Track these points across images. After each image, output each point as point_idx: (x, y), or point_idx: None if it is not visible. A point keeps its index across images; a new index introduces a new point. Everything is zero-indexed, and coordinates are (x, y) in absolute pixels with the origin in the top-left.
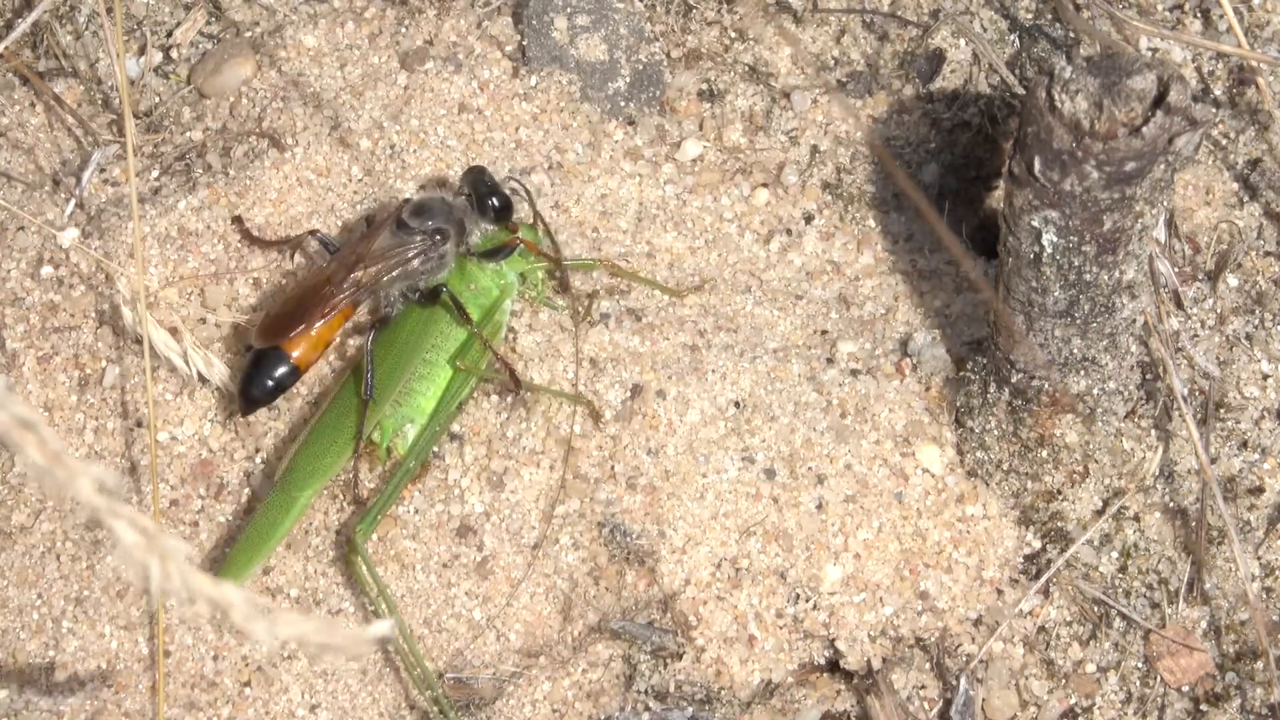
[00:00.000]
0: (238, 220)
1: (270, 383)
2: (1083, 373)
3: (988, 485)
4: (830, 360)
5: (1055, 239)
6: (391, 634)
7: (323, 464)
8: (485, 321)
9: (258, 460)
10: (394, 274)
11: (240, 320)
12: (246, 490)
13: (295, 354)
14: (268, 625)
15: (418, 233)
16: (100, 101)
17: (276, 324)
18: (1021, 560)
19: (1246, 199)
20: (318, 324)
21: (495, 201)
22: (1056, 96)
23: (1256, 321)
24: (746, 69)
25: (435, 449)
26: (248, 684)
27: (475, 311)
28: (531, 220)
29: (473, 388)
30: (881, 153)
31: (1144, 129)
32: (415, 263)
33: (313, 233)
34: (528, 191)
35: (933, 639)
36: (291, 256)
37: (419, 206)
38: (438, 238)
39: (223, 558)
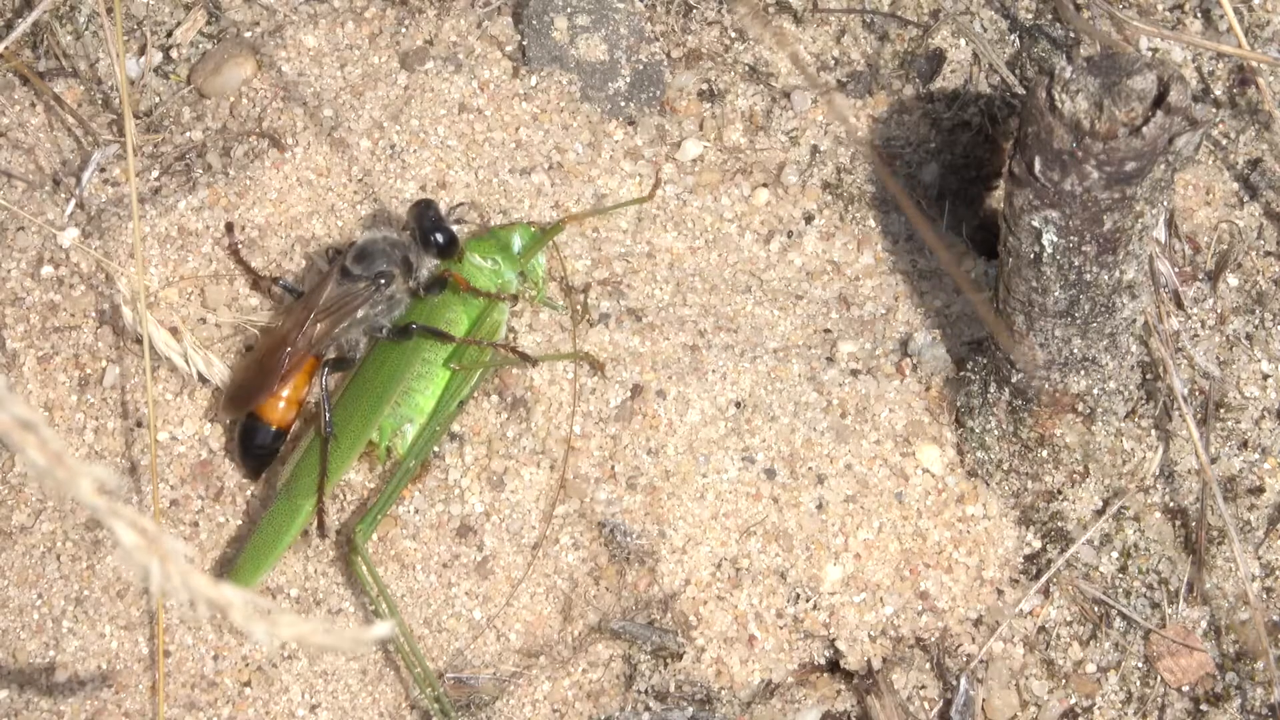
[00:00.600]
0: (229, 229)
1: (260, 453)
2: (1083, 373)
3: (988, 485)
4: (830, 360)
5: (1055, 239)
6: (392, 634)
7: (327, 470)
8: (483, 320)
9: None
10: (344, 324)
11: (240, 320)
12: (249, 491)
13: (272, 419)
14: (267, 626)
15: (362, 279)
16: (100, 101)
17: (241, 394)
18: (1021, 560)
19: (1247, 199)
20: (280, 388)
21: (439, 237)
22: (1057, 96)
23: (1257, 321)
24: (747, 69)
25: (435, 449)
26: (248, 684)
27: (472, 311)
28: (528, 224)
29: (473, 387)
30: (876, 157)
31: (1144, 129)
32: (362, 310)
33: (275, 280)
34: (483, 216)
35: (933, 639)
36: (268, 289)
37: (361, 252)
38: (382, 282)
39: (228, 565)
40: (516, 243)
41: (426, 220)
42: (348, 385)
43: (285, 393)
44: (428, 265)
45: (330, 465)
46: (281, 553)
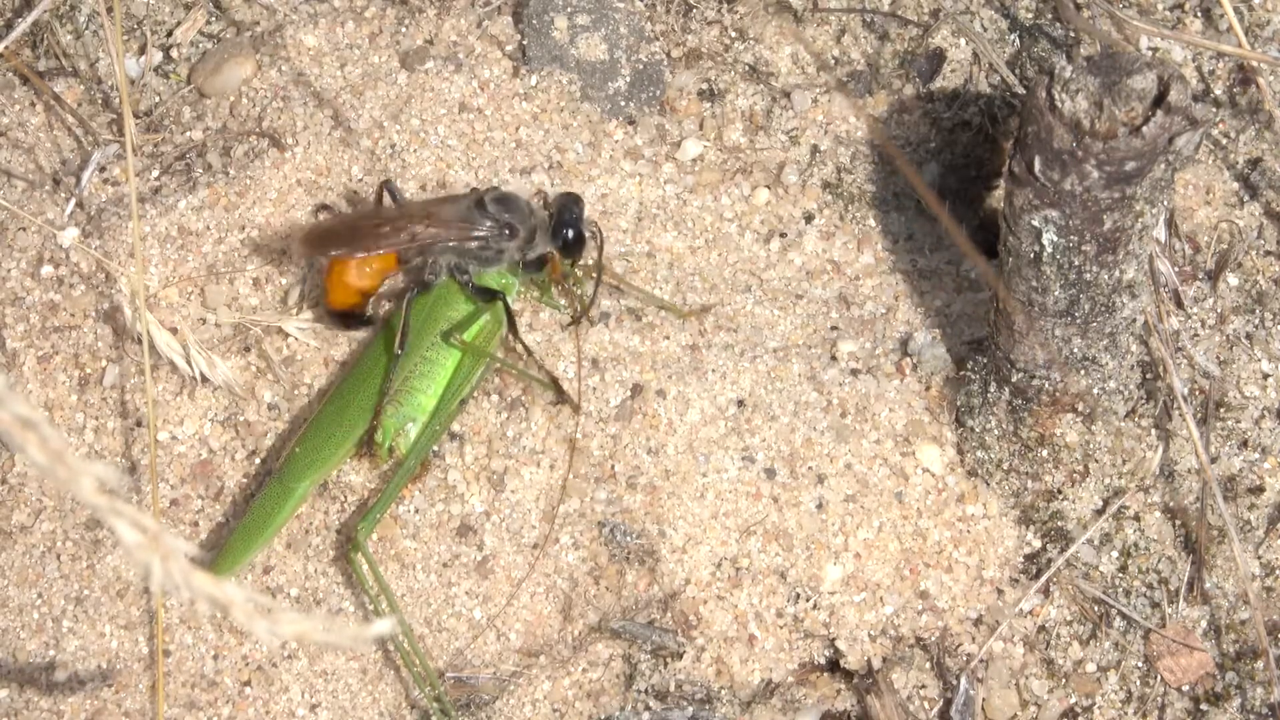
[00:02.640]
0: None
1: (358, 324)
2: (1083, 372)
3: (988, 485)
4: (831, 360)
5: (1055, 238)
6: (393, 631)
7: (321, 455)
8: (484, 315)
9: (257, 461)
10: (451, 245)
11: (241, 320)
12: (249, 490)
13: (343, 305)
14: (269, 624)
15: (491, 218)
16: (100, 101)
17: (321, 236)
18: (1022, 560)
19: (1247, 198)
20: (360, 254)
21: (570, 233)
22: (1057, 96)
23: (1257, 321)
24: (747, 68)
25: (435, 448)
26: (248, 683)
27: (472, 308)
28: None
29: (474, 386)
30: (890, 148)
31: (1144, 128)
32: (475, 244)
33: (385, 183)
34: (600, 240)
35: (933, 638)
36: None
37: (505, 198)
38: (507, 232)
39: (217, 549)
40: None
41: (569, 214)
42: (347, 374)
43: (354, 261)
44: (542, 249)
45: (325, 454)
46: (271, 536)
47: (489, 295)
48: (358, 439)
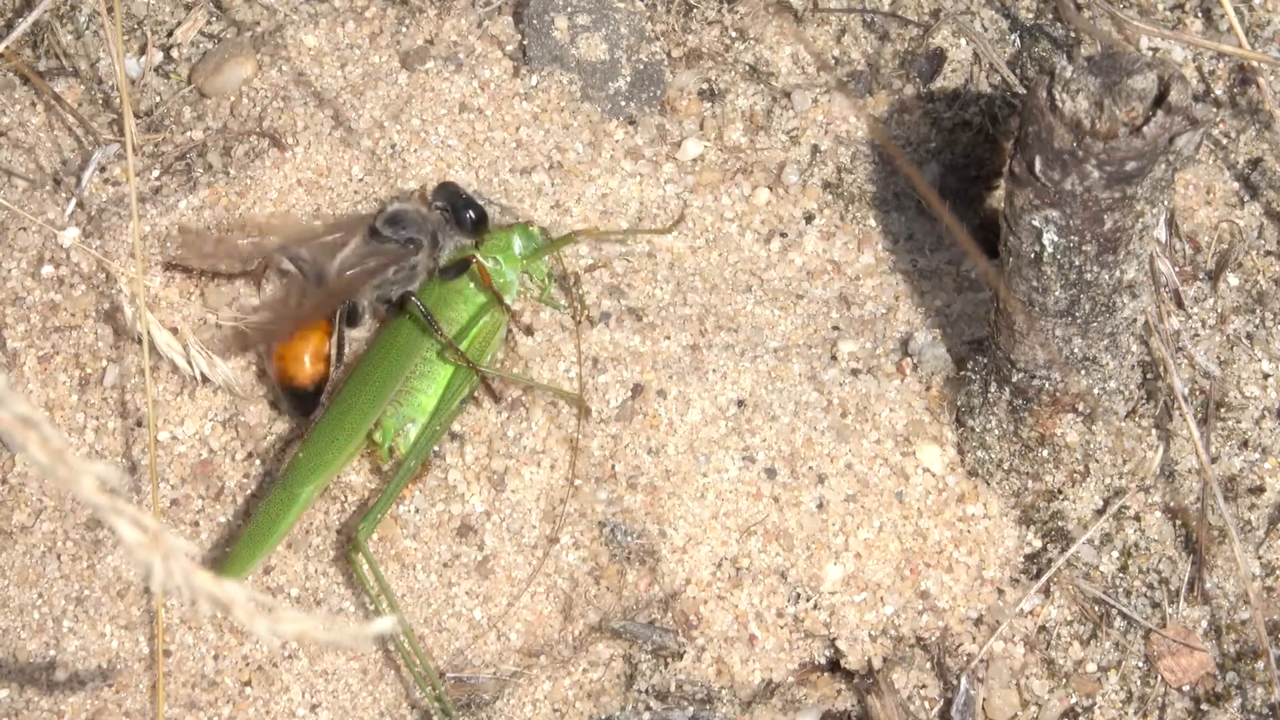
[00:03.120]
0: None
1: (310, 405)
2: (1083, 372)
3: (988, 485)
4: (831, 360)
5: (1056, 238)
6: (394, 630)
7: (325, 460)
8: (484, 316)
9: (257, 462)
10: (369, 283)
11: (241, 320)
12: (249, 490)
13: (306, 382)
14: (270, 623)
15: (391, 241)
16: (100, 101)
17: (259, 331)
18: (1022, 560)
19: (1247, 198)
20: (299, 345)
21: (472, 214)
22: (1057, 96)
23: (1257, 321)
24: (747, 68)
25: (435, 448)
26: (248, 683)
27: (470, 309)
28: (527, 223)
29: (474, 386)
30: (890, 147)
31: (1145, 128)
32: (389, 272)
33: (282, 249)
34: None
35: (933, 638)
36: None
37: (394, 216)
38: (410, 248)
39: (223, 555)
40: (518, 244)
41: (460, 197)
42: (348, 377)
43: (308, 354)
44: (452, 245)
45: (328, 458)
46: (277, 542)
47: (462, 268)
48: (361, 443)
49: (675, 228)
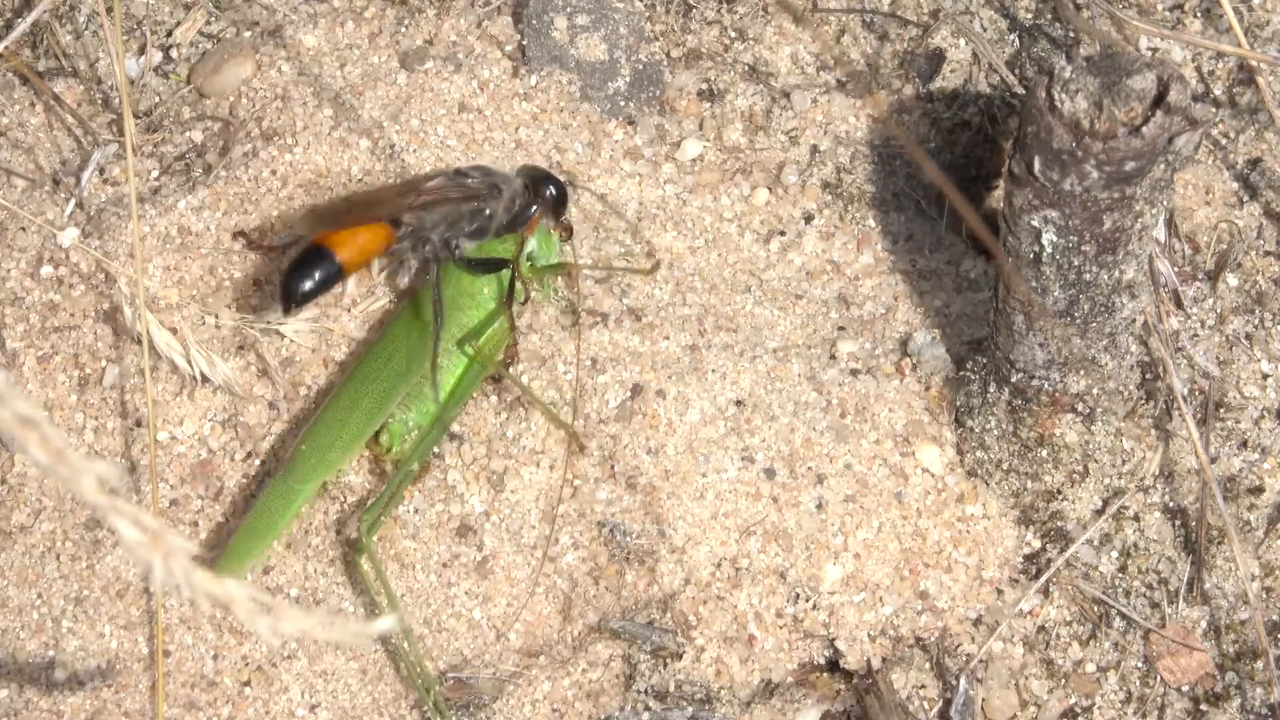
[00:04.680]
0: (242, 236)
1: (315, 279)
2: (1083, 372)
3: (988, 485)
4: (830, 360)
5: (1055, 239)
6: (396, 627)
7: (327, 458)
8: (493, 323)
9: (256, 462)
10: (444, 210)
11: (241, 321)
12: (249, 491)
13: (341, 255)
14: (270, 621)
15: (473, 180)
16: (100, 101)
17: (323, 215)
18: (1021, 560)
19: (1246, 199)
20: (359, 230)
21: (553, 189)
22: (1056, 96)
23: (1256, 321)
24: (746, 69)
25: (435, 449)
26: (247, 683)
27: (480, 314)
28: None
29: (473, 388)
30: (901, 135)
31: (1144, 129)
32: (465, 207)
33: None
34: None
35: (932, 639)
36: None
37: (481, 167)
38: (492, 191)
39: (221, 550)
40: (532, 244)
41: (542, 172)
42: (351, 374)
43: (362, 239)
44: (526, 213)
45: (332, 456)
46: (275, 537)
47: (494, 266)
48: (364, 443)
49: (655, 271)
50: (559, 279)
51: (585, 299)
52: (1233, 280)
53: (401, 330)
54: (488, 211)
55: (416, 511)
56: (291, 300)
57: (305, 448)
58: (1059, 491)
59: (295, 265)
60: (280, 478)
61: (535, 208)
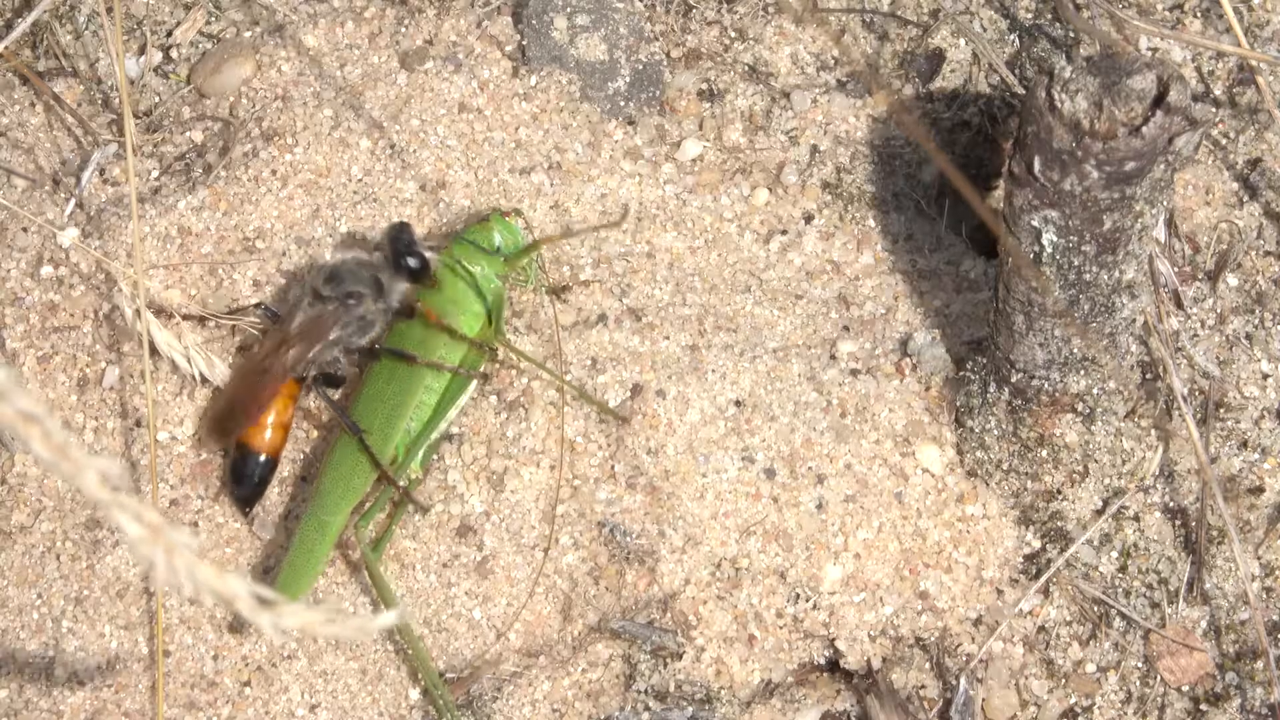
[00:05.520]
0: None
1: (253, 483)
2: (1082, 372)
3: (988, 485)
4: (830, 360)
5: (1055, 239)
6: (398, 622)
7: (351, 486)
8: (489, 326)
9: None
10: (318, 347)
11: (240, 321)
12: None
13: (261, 447)
14: (273, 617)
15: (332, 300)
16: (100, 101)
17: (221, 424)
18: (1021, 560)
19: (1246, 199)
20: (263, 415)
21: (411, 262)
22: (1056, 96)
23: (1256, 321)
24: (746, 69)
25: (435, 455)
26: (248, 684)
27: (474, 321)
28: (503, 214)
29: (474, 387)
30: (912, 125)
31: (1144, 129)
32: (334, 333)
33: (257, 305)
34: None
35: (933, 639)
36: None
37: (330, 274)
38: (351, 302)
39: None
40: (497, 239)
41: (400, 244)
42: (356, 400)
43: (270, 419)
44: (399, 289)
45: (356, 483)
46: (319, 571)
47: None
48: (387, 461)
49: (623, 221)
50: (535, 258)
51: (584, 290)
52: (1233, 280)
53: (390, 368)
54: (361, 315)
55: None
56: (247, 507)
57: (328, 480)
58: (1059, 491)
59: (230, 477)
60: (310, 514)
61: (405, 286)
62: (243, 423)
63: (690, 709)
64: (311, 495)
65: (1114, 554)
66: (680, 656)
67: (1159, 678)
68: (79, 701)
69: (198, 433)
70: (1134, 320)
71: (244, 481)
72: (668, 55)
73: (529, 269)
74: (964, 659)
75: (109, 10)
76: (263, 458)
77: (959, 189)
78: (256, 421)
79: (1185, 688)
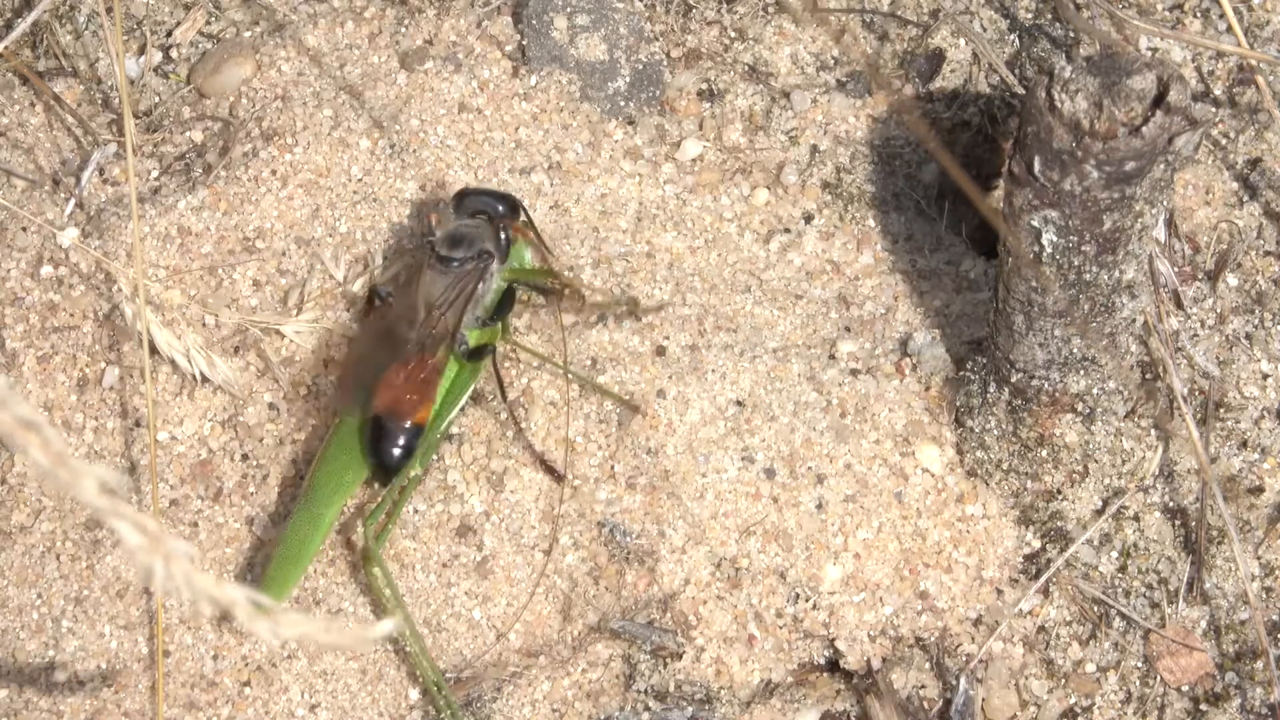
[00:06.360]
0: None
1: (403, 452)
2: (1082, 372)
3: (987, 485)
4: (830, 360)
5: (1055, 239)
6: (397, 630)
7: (344, 480)
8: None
9: (256, 463)
10: (466, 309)
11: (241, 320)
12: (249, 489)
13: (410, 416)
14: (271, 624)
15: (467, 261)
16: (100, 101)
17: (372, 397)
18: (1021, 560)
19: (1246, 198)
20: (429, 385)
21: (501, 206)
22: (1056, 96)
23: (1256, 321)
24: (746, 69)
25: (435, 455)
26: (247, 684)
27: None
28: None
29: (475, 387)
30: (914, 123)
31: (1144, 129)
32: (479, 288)
33: (375, 291)
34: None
35: (932, 639)
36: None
37: (453, 238)
38: (485, 258)
39: (258, 580)
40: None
41: (484, 194)
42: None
43: (421, 395)
44: (506, 235)
45: (348, 478)
46: (309, 563)
47: (478, 354)
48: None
49: (656, 310)
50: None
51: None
52: (1233, 280)
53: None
54: (493, 273)
55: (416, 512)
56: (388, 475)
57: (321, 474)
58: (1059, 491)
59: (385, 447)
60: (303, 506)
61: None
62: (402, 402)
63: (690, 709)
64: (305, 488)
65: (1114, 554)
66: (680, 656)
67: (1159, 678)
68: (79, 701)
69: (335, 391)
70: (1134, 320)
71: (393, 448)
72: (668, 55)
73: (534, 279)
74: (964, 659)
75: (109, 10)
76: (411, 426)
77: (962, 188)
78: (421, 394)
79: (1185, 688)
